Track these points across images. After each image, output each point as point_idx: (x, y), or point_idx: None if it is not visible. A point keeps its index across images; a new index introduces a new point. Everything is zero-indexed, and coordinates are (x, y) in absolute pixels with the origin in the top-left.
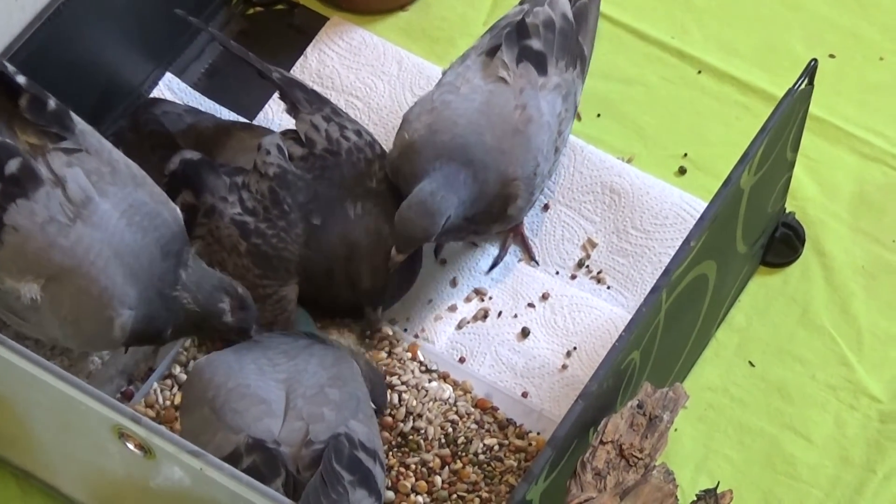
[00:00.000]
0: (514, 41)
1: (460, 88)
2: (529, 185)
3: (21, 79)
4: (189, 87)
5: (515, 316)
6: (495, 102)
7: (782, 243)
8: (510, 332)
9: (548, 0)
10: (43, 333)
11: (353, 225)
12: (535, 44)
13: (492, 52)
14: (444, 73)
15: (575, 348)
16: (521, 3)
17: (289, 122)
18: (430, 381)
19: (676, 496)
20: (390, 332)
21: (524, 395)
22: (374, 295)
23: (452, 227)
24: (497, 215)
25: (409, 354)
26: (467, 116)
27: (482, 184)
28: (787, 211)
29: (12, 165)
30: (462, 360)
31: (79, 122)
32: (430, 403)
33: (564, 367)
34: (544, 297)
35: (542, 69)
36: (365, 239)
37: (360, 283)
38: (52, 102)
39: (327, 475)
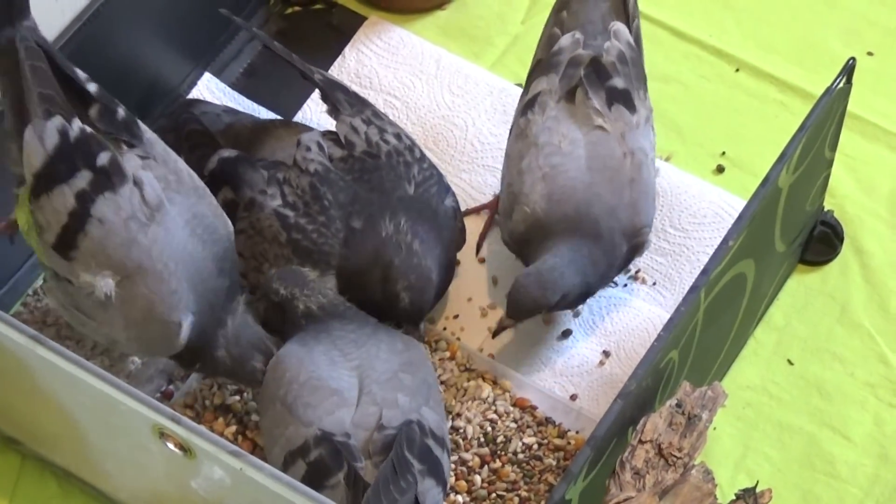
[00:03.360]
0: (598, 83)
1: (561, 146)
2: (652, 222)
3: (92, 87)
4: (227, 87)
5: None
6: (602, 155)
7: (821, 241)
8: (550, 331)
9: (612, 31)
10: (103, 334)
11: (389, 243)
12: (619, 82)
13: (569, 95)
14: (522, 118)
15: (614, 347)
16: (558, 25)
17: (327, 123)
18: (469, 380)
19: (715, 495)
20: (429, 332)
21: (572, 397)
22: (413, 313)
23: (576, 299)
24: (626, 265)
25: (449, 354)
26: (581, 178)
27: (611, 251)
28: (825, 209)
29: (103, 158)
30: (501, 359)
31: (146, 131)
32: (469, 402)
33: (601, 363)
34: None
35: (631, 107)
36: (398, 258)
37: (398, 303)
38: (121, 111)
39: (398, 463)
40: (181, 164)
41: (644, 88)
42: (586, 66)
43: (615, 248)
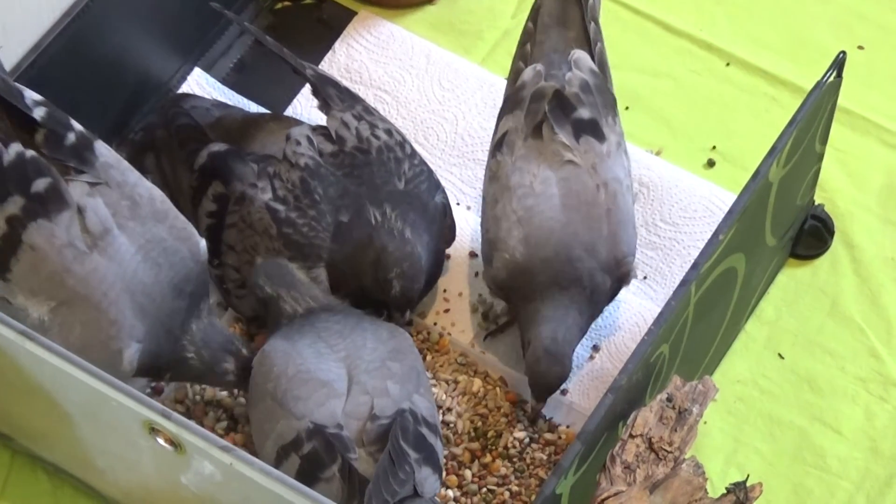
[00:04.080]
0: (563, 117)
1: (534, 187)
2: (635, 250)
3: (40, 111)
4: (218, 82)
5: None
6: (576, 190)
7: (811, 235)
8: None
9: (573, 61)
10: None
11: (381, 230)
12: (585, 113)
13: (536, 131)
14: (492, 160)
15: (604, 342)
16: (522, 59)
17: (318, 117)
18: (459, 374)
19: (706, 489)
20: (420, 326)
21: (563, 392)
22: (403, 302)
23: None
24: (613, 297)
25: (439, 348)
26: (557, 218)
27: (595, 293)
28: (815, 203)
29: (40, 184)
30: (492, 354)
31: (101, 154)
32: (460, 397)
33: (592, 358)
34: None
35: (600, 136)
36: (392, 244)
37: (389, 290)
38: (71, 136)
39: (395, 454)
40: (141, 187)
41: (612, 113)
42: (550, 101)
43: (598, 288)
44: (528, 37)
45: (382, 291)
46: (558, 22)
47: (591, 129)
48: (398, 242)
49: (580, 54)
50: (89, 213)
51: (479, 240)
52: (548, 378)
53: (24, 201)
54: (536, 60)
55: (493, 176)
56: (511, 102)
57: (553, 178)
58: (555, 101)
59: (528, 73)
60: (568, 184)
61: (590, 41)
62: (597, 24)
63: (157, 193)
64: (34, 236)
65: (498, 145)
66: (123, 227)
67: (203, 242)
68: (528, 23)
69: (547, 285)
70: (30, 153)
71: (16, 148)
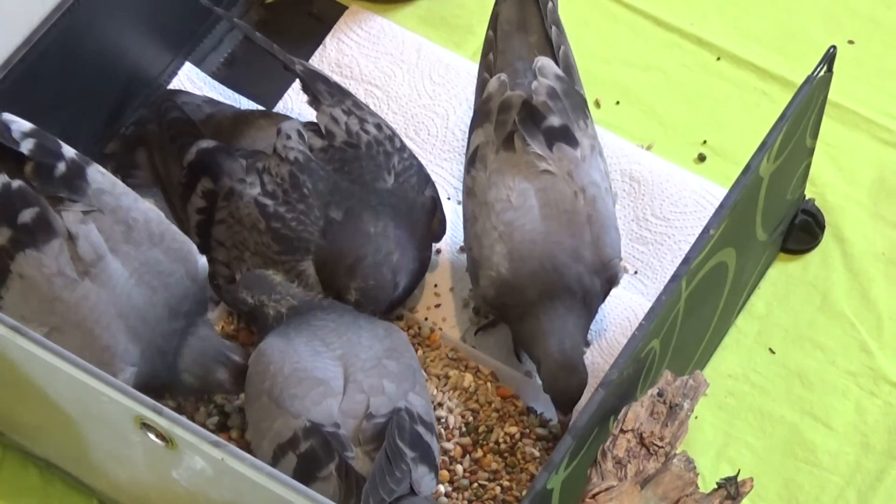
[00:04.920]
0: (534, 127)
1: (511, 200)
2: (620, 251)
3: (28, 144)
4: (208, 77)
5: None
6: (554, 199)
7: (802, 230)
8: None
9: (537, 69)
10: None
11: (372, 240)
12: (555, 120)
13: (507, 143)
14: (467, 175)
15: (595, 336)
16: (487, 70)
17: (308, 112)
18: (450, 369)
19: (697, 484)
20: (411, 321)
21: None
22: (369, 304)
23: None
24: (604, 299)
25: (430, 343)
26: (538, 230)
27: (587, 292)
28: (806, 198)
29: (26, 215)
30: (483, 349)
31: (94, 181)
32: (451, 392)
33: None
34: None
35: (573, 142)
36: (372, 258)
37: (346, 295)
38: (61, 165)
39: (391, 453)
40: (136, 211)
41: (584, 117)
42: (519, 112)
43: (589, 291)
44: (489, 46)
45: (340, 293)
46: (518, 28)
47: (564, 136)
48: (381, 258)
49: (544, 61)
50: (81, 240)
51: None
52: (570, 391)
53: (10, 232)
54: (500, 70)
55: (470, 192)
56: (480, 115)
57: (530, 190)
58: (524, 112)
59: (493, 84)
60: (546, 194)
61: (552, 45)
62: (558, 26)
63: (154, 215)
64: (23, 266)
65: (471, 160)
66: (117, 251)
67: (203, 259)
68: (489, 31)
69: (538, 298)
70: (16, 183)
71: (1, 179)
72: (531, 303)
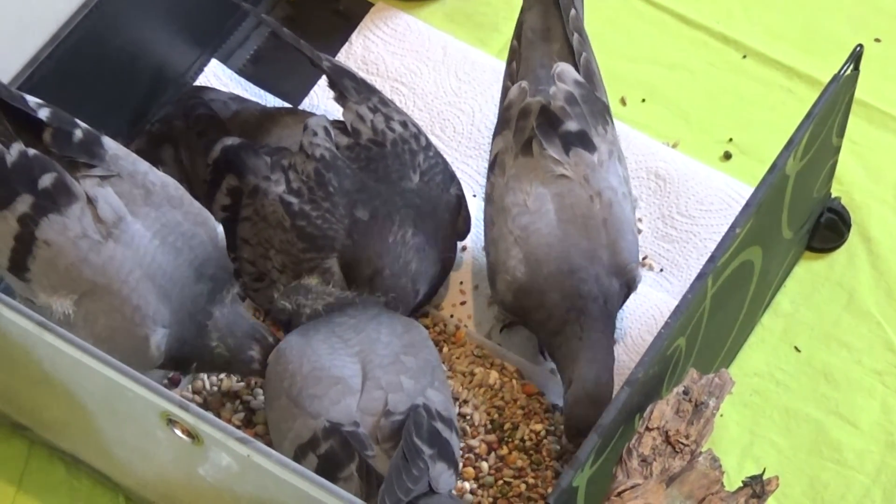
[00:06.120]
0: (551, 132)
1: (528, 204)
2: (637, 256)
3: (44, 112)
4: (234, 73)
5: None
6: (570, 203)
7: (828, 228)
8: None
9: (556, 74)
10: None
11: (391, 251)
12: (572, 125)
13: (525, 148)
14: (487, 182)
15: (620, 334)
16: (510, 79)
17: (334, 109)
18: (476, 367)
19: (722, 482)
20: (436, 319)
21: None
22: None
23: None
24: (623, 303)
25: (455, 340)
26: (554, 233)
27: (608, 295)
28: (832, 196)
29: (46, 180)
30: (508, 346)
31: (110, 147)
32: (476, 389)
33: None
34: None
35: (590, 147)
36: (389, 269)
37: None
38: (78, 132)
39: (408, 451)
40: (153, 175)
41: (603, 122)
42: (537, 117)
43: (609, 293)
44: (513, 55)
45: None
46: (542, 37)
47: (581, 141)
48: (399, 269)
49: (563, 67)
50: (100, 202)
51: None
52: (585, 422)
53: (32, 199)
54: (522, 77)
55: (488, 198)
56: (501, 122)
57: (547, 195)
58: (542, 117)
59: (513, 92)
60: (562, 198)
61: (574, 52)
62: (581, 34)
63: (170, 181)
64: (47, 231)
65: (491, 167)
66: (137, 213)
67: (220, 227)
68: (513, 40)
69: (564, 310)
70: (32, 151)
71: (18, 147)
72: (556, 312)
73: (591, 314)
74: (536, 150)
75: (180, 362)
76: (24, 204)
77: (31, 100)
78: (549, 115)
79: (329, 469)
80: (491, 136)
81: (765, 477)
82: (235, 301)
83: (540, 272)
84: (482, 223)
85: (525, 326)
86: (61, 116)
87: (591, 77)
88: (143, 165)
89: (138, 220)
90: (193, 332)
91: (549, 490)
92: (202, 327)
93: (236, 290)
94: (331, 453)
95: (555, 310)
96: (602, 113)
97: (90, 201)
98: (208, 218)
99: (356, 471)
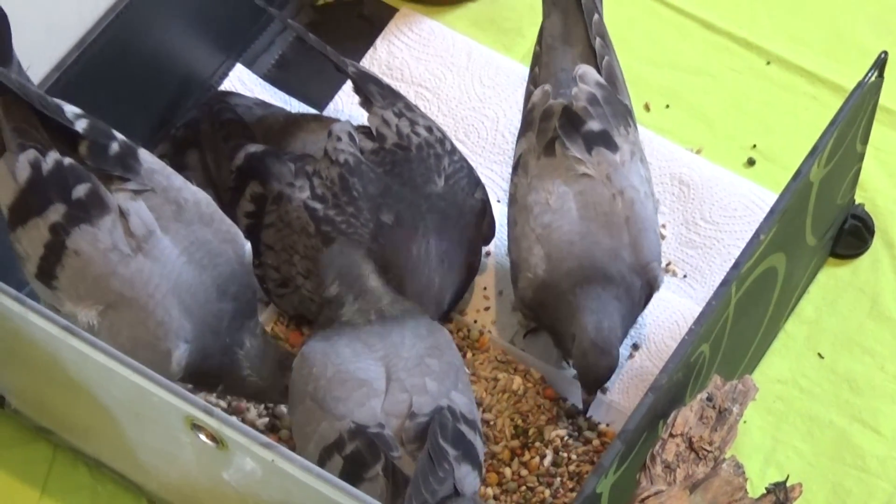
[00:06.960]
0: (573, 131)
1: (550, 203)
2: (660, 256)
3: (82, 124)
4: (259, 79)
5: None
6: (592, 202)
7: (851, 235)
8: None
9: (577, 76)
10: None
11: (414, 267)
12: (595, 125)
13: (548, 149)
14: (511, 183)
15: (644, 340)
16: (532, 82)
17: (358, 114)
18: (499, 372)
19: (746, 489)
20: (460, 324)
21: (602, 390)
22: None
23: (622, 338)
24: (646, 302)
25: (479, 346)
26: (575, 231)
27: (628, 287)
28: (856, 202)
29: (80, 190)
30: (532, 352)
31: (146, 161)
32: (500, 395)
33: (632, 356)
34: None
35: (612, 146)
36: (413, 285)
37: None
38: (115, 145)
39: (434, 452)
40: (187, 192)
41: (625, 123)
42: (559, 117)
43: (631, 283)
44: (535, 60)
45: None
46: (563, 41)
47: (603, 140)
48: (417, 287)
49: (585, 68)
50: (132, 216)
51: None
52: (598, 370)
53: (65, 208)
54: (544, 81)
55: (512, 199)
56: (524, 125)
57: (569, 193)
58: (564, 118)
59: (536, 95)
60: (584, 196)
61: (596, 56)
62: (603, 38)
63: (203, 197)
64: (78, 241)
65: (515, 168)
66: (167, 229)
67: (248, 246)
68: (536, 46)
69: (580, 289)
70: (67, 161)
71: (54, 156)
72: (569, 295)
73: (604, 286)
74: (559, 150)
75: (202, 379)
76: (56, 213)
77: (70, 109)
78: (572, 115)
79: (355, 470)
80: (515, 140)
81: (788, 483)
82: (263, 332)
83: (560, 269)
84: (505, 229)
85: (541, 324)
86: (98, 128)
87: (613, 80)
88: (178, 181)
89: (168, 236)
90: (217, 348)
91: (573, 496)
92: (231, 353)
93: (262, 317)
94: (356, 454)
95: (572, 288)
96: (624, 115)
97: (122, 214)
98: (237, 235)
99: (382, 471)
